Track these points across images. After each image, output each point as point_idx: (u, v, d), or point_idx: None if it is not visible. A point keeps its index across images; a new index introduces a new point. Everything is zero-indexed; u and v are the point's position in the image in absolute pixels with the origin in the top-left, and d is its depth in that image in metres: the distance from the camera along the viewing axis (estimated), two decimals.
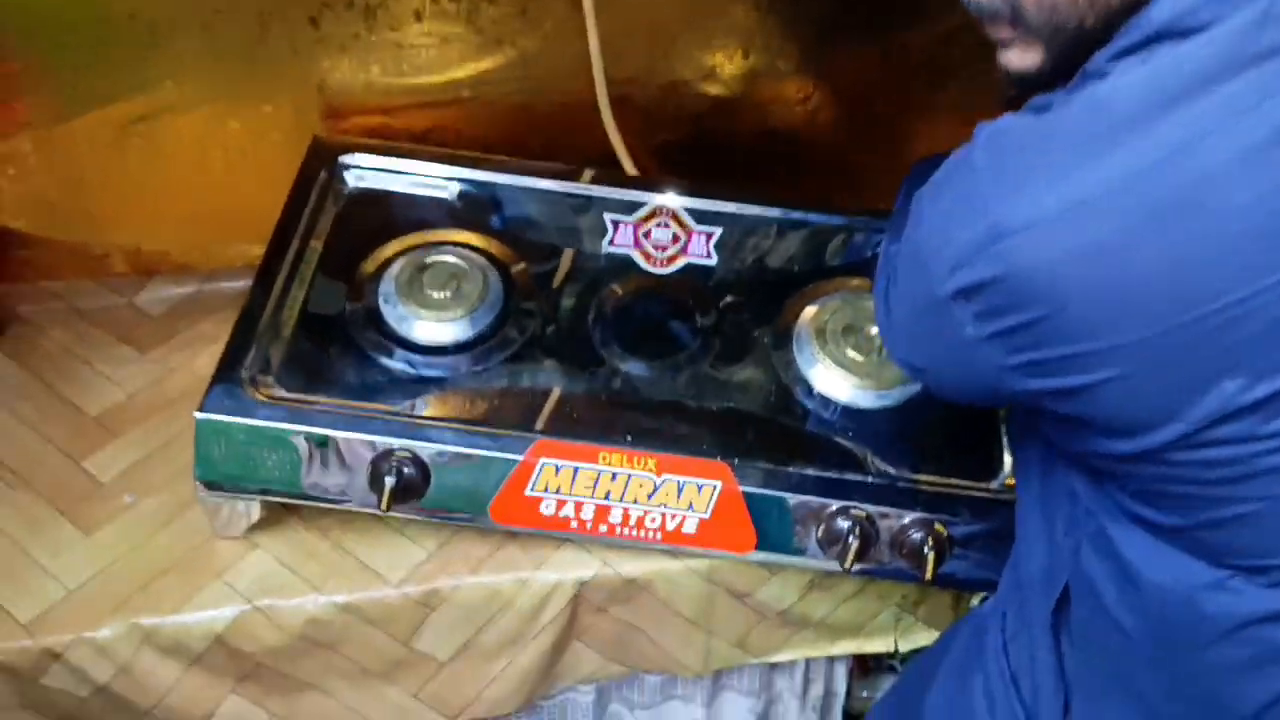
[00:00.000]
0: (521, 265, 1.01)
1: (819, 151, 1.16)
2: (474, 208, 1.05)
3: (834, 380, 0.94)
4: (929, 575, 0.85)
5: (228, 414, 0.86)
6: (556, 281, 1.00)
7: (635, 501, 0.87)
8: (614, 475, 0.86)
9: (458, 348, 0.94)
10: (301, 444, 0.86)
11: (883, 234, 1.01)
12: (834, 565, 0.87)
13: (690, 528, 0.88)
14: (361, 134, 1.09)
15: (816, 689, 1.08)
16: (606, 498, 0.87)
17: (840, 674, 1.08)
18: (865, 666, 1.15)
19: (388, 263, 0.98)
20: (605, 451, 0.87)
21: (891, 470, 0.90)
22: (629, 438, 0.89)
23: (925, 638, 1.01)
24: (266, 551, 0.92)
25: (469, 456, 0.86)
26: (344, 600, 0.90)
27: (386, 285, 0.96)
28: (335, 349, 0.93)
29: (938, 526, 0.86)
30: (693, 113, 1.14)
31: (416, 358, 0.93)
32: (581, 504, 0.87)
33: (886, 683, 1.15)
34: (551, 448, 0.87)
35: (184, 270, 1.12)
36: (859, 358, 0.95)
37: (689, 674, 1.01)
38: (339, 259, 0.99)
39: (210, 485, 0.88)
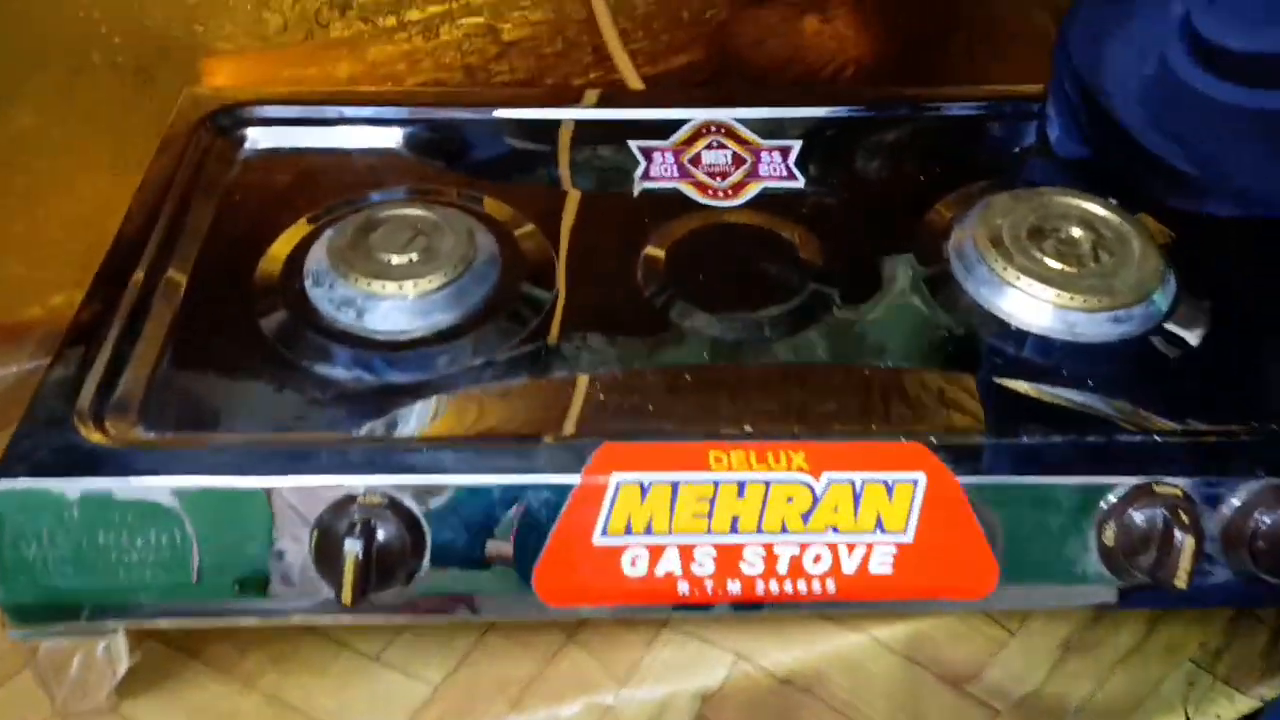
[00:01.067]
0: (516, 218, 0.67)
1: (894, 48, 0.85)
2: (435, 153, 0.71)
3: (1037, 306, 0.60)
4: None
5: (49, 473, 0.48)
6: (575, 233, 0.66)
7: (783, 529, 0.50)
8: (741, 487, 0.50)
9: (440, 336, 0.58)
10: (190, 512, 0.48)
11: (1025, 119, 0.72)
12: (1139, 590, 0.51)
13: (881, 564, 0.51)
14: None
15: None
16: (733, 529, 0.50)
17: None
18: None
19: (315, 234, 0.64)
20: (718, 449, 0.51)
21: (1179, 425, 0.55)
22: (747, 427, 0.53)
23: (1228, 710, 0.64)
24: None
25: (485, 491, 0.49)
26: None
27: (316, 259, 0.60)
28: (238, 364, 0.57)
29: None
30: (714, 23, 0.84)
31: (374, 358, 0.57)
32: (691, 548, 0.51)
33: None
34: (627, 455, 0.50)
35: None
36: (1068, 269, 0.61)
37: None
38: (236, 243, 0.63)
39: (27, 617, 0.50)
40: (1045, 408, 0.56)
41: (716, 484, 0.49)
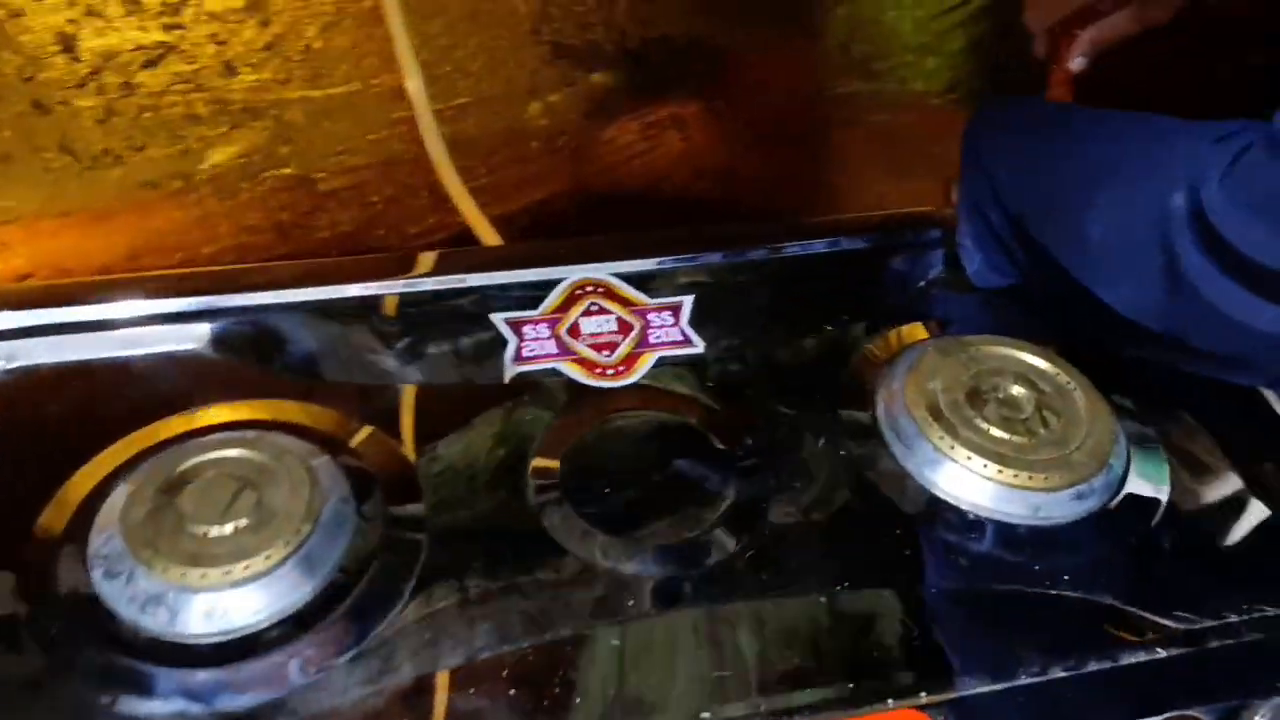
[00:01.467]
0: (363, 432, 0.54)
1: (751, 172, 0.76)
2: (245, 350, 0.57)
3: (993, 489, 0.53)
4: None
5: None
6: (439, 446, 0.54)
7: None
8: None
9: (289, 629, 0.45)
10: None
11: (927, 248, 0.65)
12: None
13: None
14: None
15: None
16: None
17: None
18: None
19: (97, 493, 0.49)
20: None
21: (1171, 622, 0.49)
22: (705, 715, 0.43)
23: None
24: None
25: None
26: None
27: (105, 539, 0.46)
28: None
29: None
30: (567, 149, 0.73)
31: (201, 677, 0.43)
32: None
33: None
34: None
35: None
36: (1019, 439, 0.54)
37: None
38: None
39: None
40: (1028, 623, 0.48)
41: None
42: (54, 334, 0.55)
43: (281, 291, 0.58)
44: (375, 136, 0.65)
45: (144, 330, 0.56)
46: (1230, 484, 0.54)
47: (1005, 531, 0.51)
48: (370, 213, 0.67)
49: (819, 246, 0.64)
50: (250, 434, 0.49)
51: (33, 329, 0.55)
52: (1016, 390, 0.56)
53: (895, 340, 0.61)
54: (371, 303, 0.59)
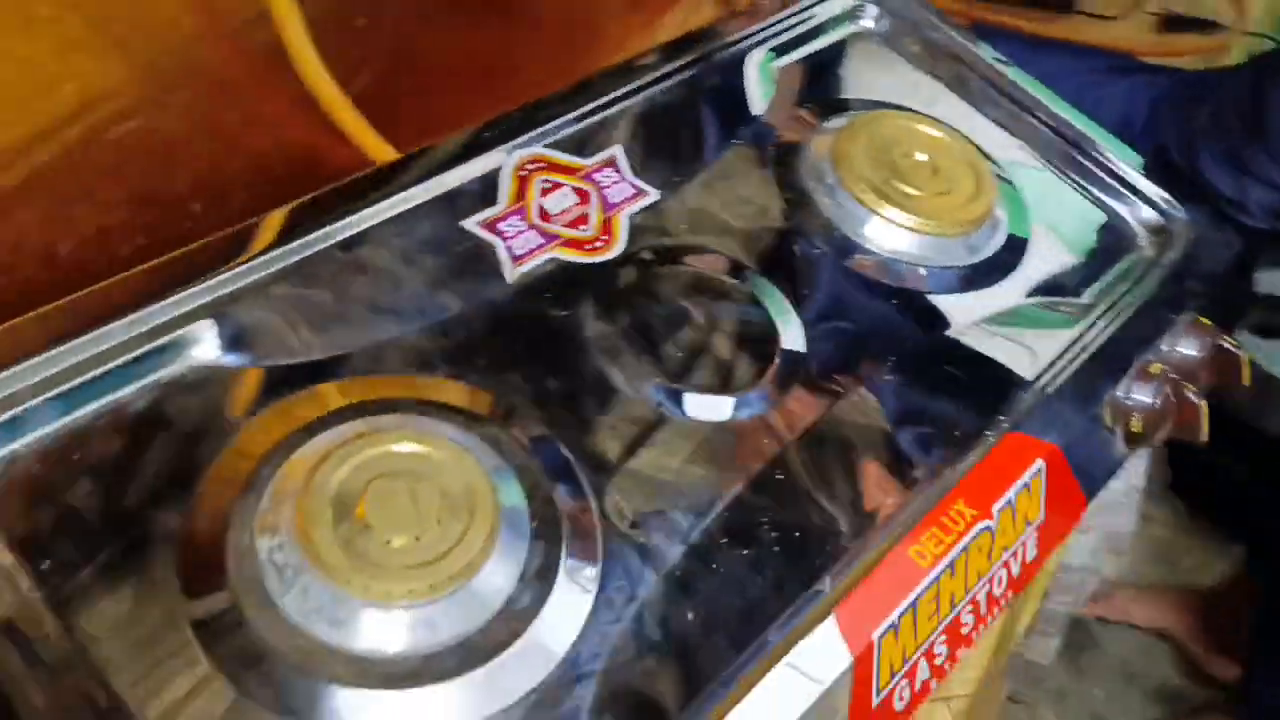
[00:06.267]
0: (442, 384, 0.50)
1: None
2: (261, 352, 0.49)
3: (933, 244, 0.62)
4: (1247, 377, 0.62)
5: None
6: (515, 383, 0.51)
7: (979, 580, 0.50)
8: (952, 569, 0.48)
9: (526, 605, 0.44)
10: None
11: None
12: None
13: (1031, 551, 0.53)
14: None
15: None
16: (952, 607, 0.49)
17: None
18: None
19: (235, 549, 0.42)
20: (911, 544, 0.48)
21: (1084, 299, 0.63)
22: (890, 500, 0.50)
23: None
24: None
25: None
26: None
27: (298, 586, 0.41)
28: None
29: (1202, 321, 0.62)
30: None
31: (480, 673, 0.42)
32: (931, 648, 0.48)
33: None
34: (855, 606, 0.45)
35: None
36: (928, 195, 0.64)
37: None
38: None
39: None
40: (1019, 342, 0.60)
41: (937, 581, 0.47)
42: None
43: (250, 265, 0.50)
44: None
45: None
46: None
47: (938, 275, 0.62)
48: (223, 147, 0.57)
49: (695, 63, 0.67)
50: (367, 424, 0.45)
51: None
52: (919, 156, 0.65)
53: (797, 136, 0.67)
54: (325, 256, 0.53)
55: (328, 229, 0.53)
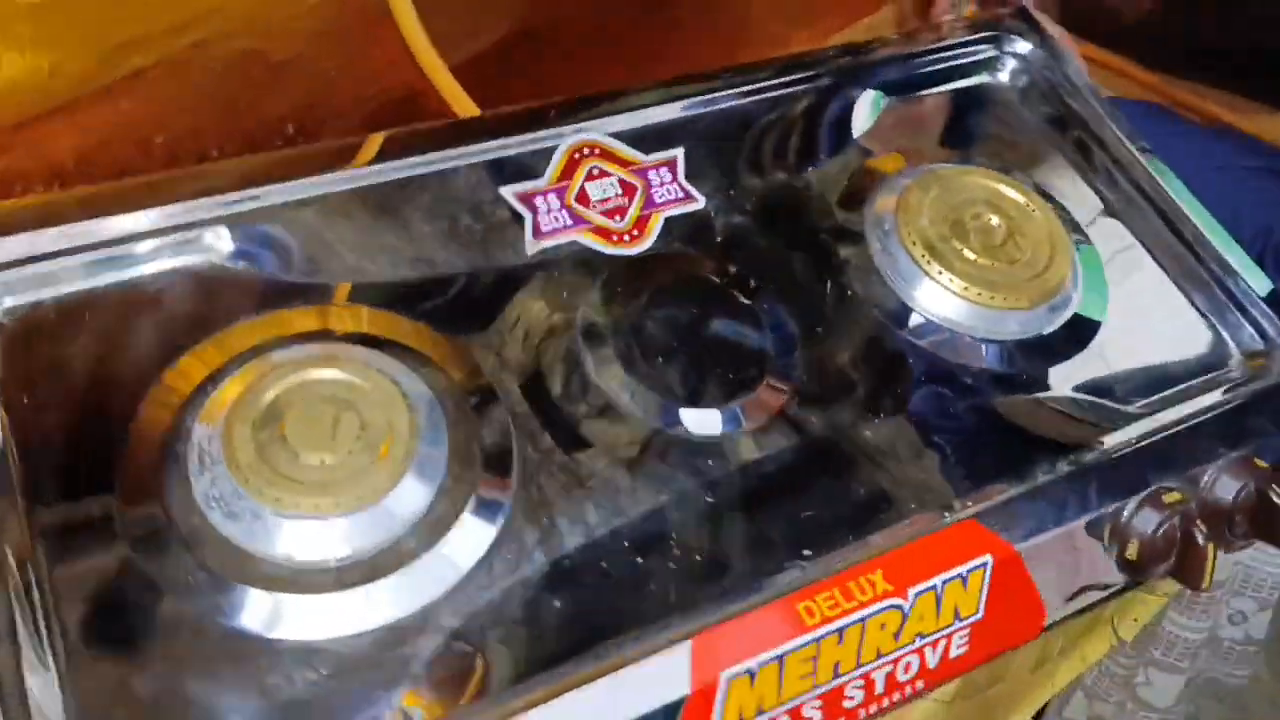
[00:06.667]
0: (414, 328, 0.54)
1: None
2: (262, 265, 0.55)
3: (981, 313, 0.59)
4: None
5: None
6: (495, 336, 0.54)
7: (878, 656, 0.48)
8: (840, 634, 0.47)
9: (421, 538, 0.47)
10: None
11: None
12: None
13: (959, 646, 0.51)
14: None
15: None
16: (835, 675, 0.47)
17: None
18: None
19: (174, 437, 0.47)
20: (803, 600, 0.47)
21: (1132, 409, 0.58)
22: (806, 553, 0.49)
23: (1144, 612, 0.73)
24: None
25: None
26: None
27: (207, 479, 0.46)
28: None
29: (1257, 463, 0.56)
30: None
31: (347, 597, 0.45)
32: (799, 709, 0.47)
33: None
34: (722, 642, 0.45)
35: None
36: (990, 262, 0.60)
37: None
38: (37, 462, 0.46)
39: None
40: (1026, 429, 0.57)
41: (818, 642, 0.46)
42: (41, 264, 0.51)
43: (269, 188, 0.55)
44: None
45: (144, 245, 0.52)
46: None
47: (995, 349, 0.59)
48: (324, 81, 0.63)
49: (799, 84, 0.67)
50: (324, 349, 0.49)
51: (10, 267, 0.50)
52: (990, 219, 0.62)
53: (875, 174, 0.65)
54: (370, 192, 0.57)
55: (376, 168, 0.58)
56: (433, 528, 0.46)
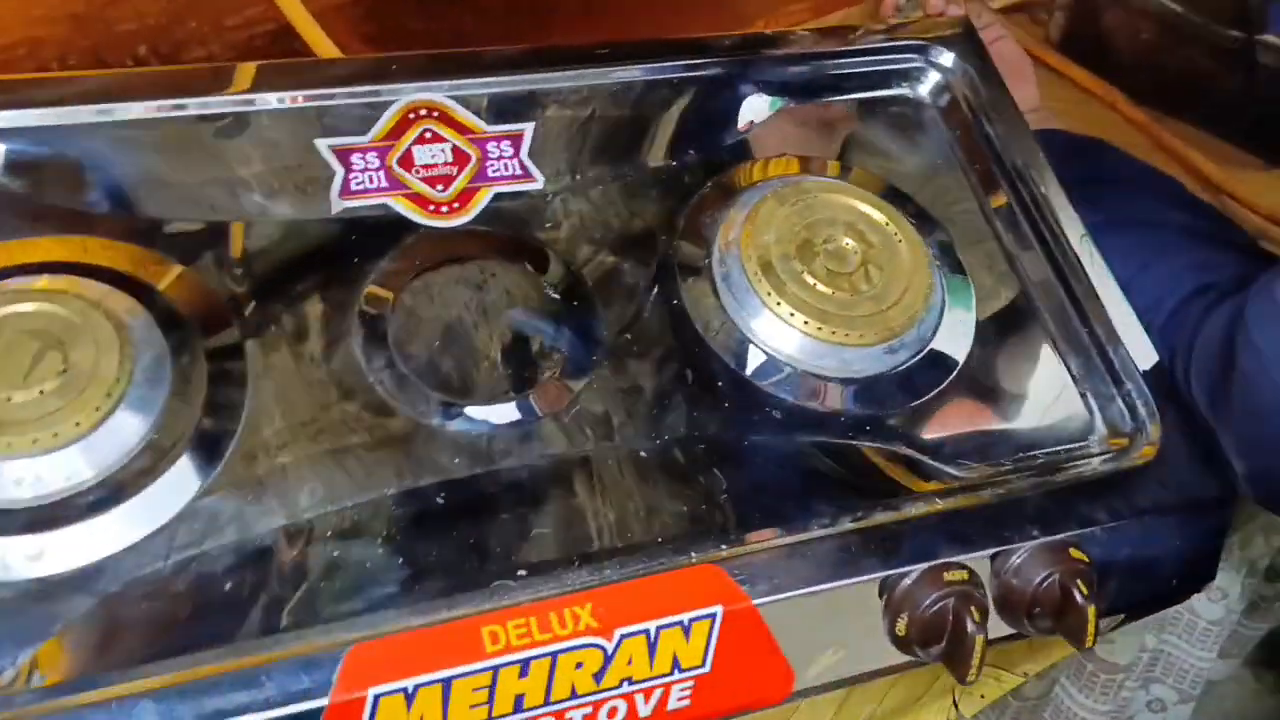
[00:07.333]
0: (174, 272, 0.51)
1: None
2: (39, 186, 0.52)
3: (809, 344, 0.55)
4: (1090, 639, 0.50)
5: None
6: (262, 292, 0.52)
7: (573, 695, 0.45)
8: (524, 666, 0.43)
9: (106, 493, 0.44)
10: None
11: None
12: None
13: (680, 699, 0.47)
14: None
15: None
16: (517, 709, 0.44)
17: None
18: None
19: None
20: (491, 624, 0.43)
21: (955, 470, 0.53)
22: (520, 573, 0.46)
23: (994, 689, 0.67)
24: None
25: None
26: None
27: None
28: None
29: (1073, 553, 0.51)
30: None
31: (13, 543, 0.43)
32: None
33: None
34: (382, 655, 0.42)
35: None
36: (839, 293, 0.56)
37: None
38: None
39: None
40: (827, 476, 0.52)
41: (495, 671, 0.42)
42: None
43: (80, 108, 0.53)
44: None
45: None
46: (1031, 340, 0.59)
47: (817, 385, 0.54)
48: (176, 5, 0.60)
49: (683, 70, 0.62)
50: (48, 280, 0.47)
51: None
52: (846, 243, 0.57)
53: (741, 179, 0.61)
54: (183, 124, 0.55)
55: (195, 99, 0.55)
56: (119, 486, 0.44)
